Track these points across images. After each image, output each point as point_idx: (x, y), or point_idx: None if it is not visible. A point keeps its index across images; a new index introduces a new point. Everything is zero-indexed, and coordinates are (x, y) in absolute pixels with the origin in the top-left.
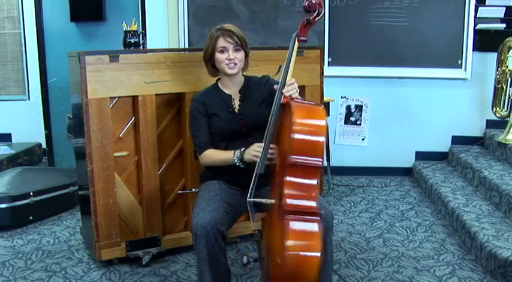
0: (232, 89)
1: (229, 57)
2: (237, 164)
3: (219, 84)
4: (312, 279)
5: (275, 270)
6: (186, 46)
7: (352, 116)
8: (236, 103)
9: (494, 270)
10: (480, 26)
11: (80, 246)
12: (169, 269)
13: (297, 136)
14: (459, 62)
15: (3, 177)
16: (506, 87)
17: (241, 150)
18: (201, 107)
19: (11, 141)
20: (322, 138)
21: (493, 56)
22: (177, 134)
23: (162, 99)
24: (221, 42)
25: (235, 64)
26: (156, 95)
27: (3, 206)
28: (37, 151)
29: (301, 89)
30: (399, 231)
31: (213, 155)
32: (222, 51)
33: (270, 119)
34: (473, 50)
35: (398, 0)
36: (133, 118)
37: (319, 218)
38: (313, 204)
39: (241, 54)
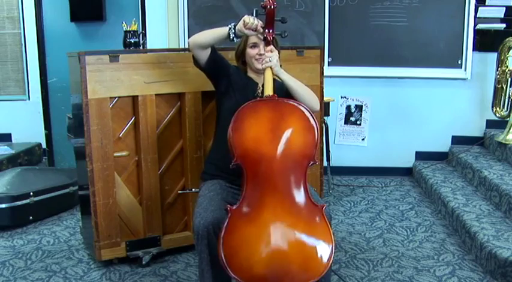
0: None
1: (260, 52)
2: (231, 34)
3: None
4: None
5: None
6: (186, 46)
7: (352, 116)
8: (260, 92)
9: (494, 270)
10: (480, 26)
11: (80, 246)
12: (169, 269)
13: None
14: (459, 62)
15: (3, 177)
16: (506, 87)
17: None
18: (232, 67)
19: (11, 141)
20: None
21: (493, 56)
22: (177, 134)
23: (162, 99)
24: (253, 39)
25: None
26: (156, 95)
27: (3, 206)
28: (37, 151)
29: None
30: (399, 231)
31: (205, 31)
32: (252, 47)
33: None
34: (473, 50)
35: (398, 0)
36: (133, 118)
37: None
38: None
39: None
